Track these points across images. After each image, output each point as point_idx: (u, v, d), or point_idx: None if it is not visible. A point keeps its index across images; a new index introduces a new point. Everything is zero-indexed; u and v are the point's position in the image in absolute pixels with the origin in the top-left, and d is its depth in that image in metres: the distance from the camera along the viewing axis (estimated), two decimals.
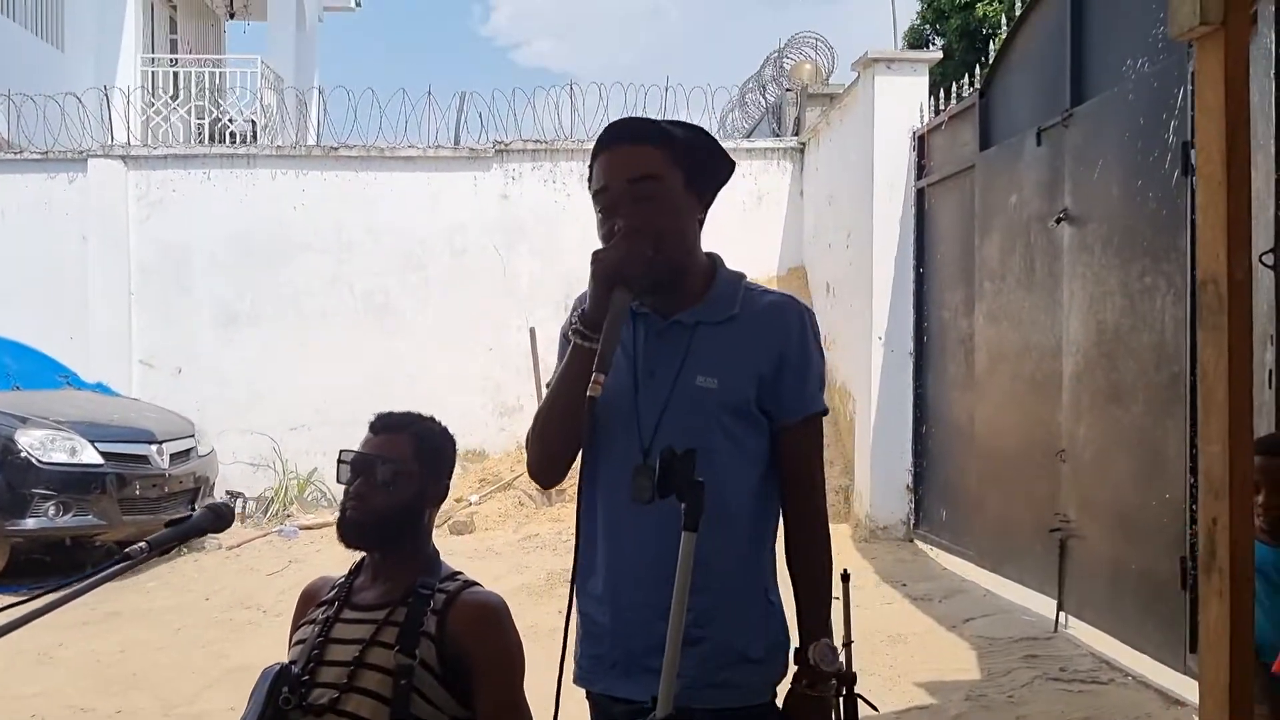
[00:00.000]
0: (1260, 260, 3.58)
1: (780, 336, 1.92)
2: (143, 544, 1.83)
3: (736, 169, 2.06)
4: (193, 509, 8.19)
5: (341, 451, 2.23)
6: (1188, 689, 4.31)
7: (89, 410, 8.24)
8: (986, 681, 4.84)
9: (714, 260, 2.02)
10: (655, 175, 1.88)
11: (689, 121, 2.09)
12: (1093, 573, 5.15)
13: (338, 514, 2.24)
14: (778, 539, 1.97)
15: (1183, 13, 2.10)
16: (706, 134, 2.04)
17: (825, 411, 1.99)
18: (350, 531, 2.19)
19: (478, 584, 2.28)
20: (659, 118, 2.06)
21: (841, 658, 2.74)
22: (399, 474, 2.17)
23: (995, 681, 4.81)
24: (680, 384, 1.89)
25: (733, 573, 1.89)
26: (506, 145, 10.70)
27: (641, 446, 1.87)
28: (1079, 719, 4.30)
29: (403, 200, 10.58)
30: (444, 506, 2.37)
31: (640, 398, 1.91)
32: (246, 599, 6.82)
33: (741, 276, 2.01)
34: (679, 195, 1.91)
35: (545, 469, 2.00)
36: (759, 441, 1.92)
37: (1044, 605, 5.61)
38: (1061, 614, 5.39)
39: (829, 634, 1.88)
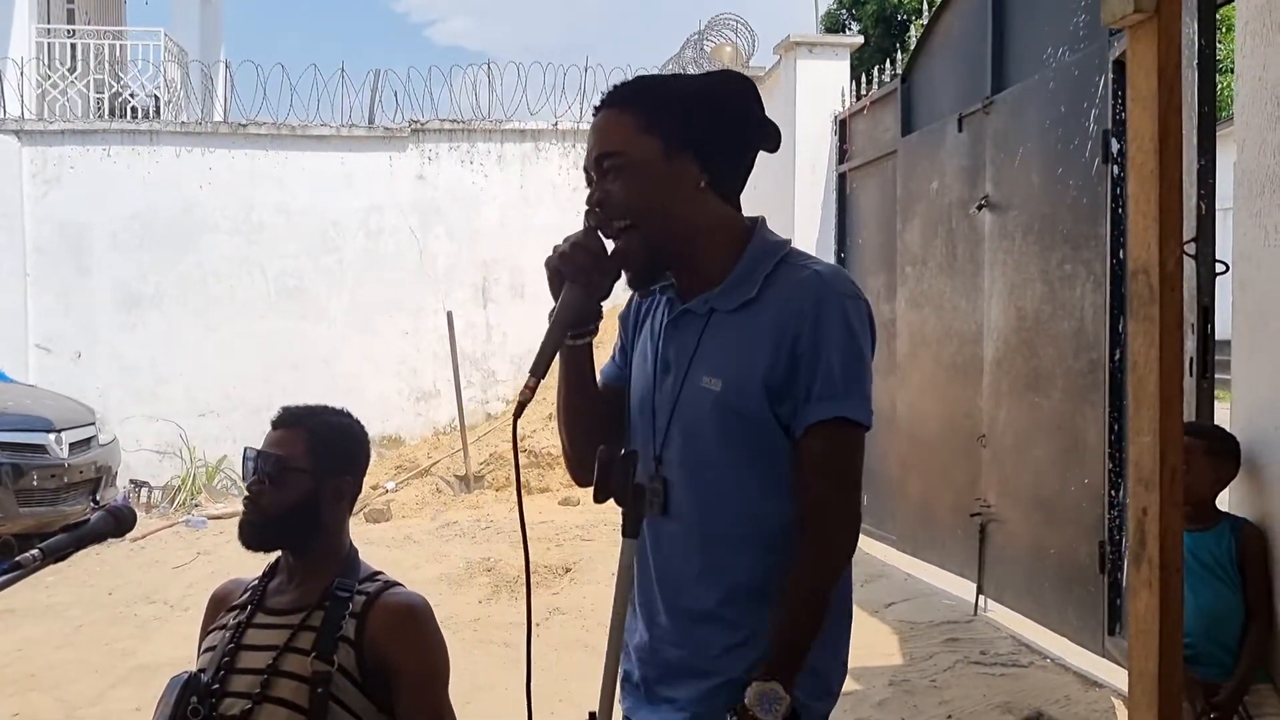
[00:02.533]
0: (1183, 250, 3.62)
1: (795, 323, 1.61)
2: (36, 551, 1.70)
3: None
4: (94, 500, 7.94)
5: (246, 448, 2.13)
6: (1106, 671, 4.38)
7: None
8: (909, 666, 4.86)
9: (751, 230, 1.74)
10: (615, 151, 1.66)
11: (716, 72, 1.79)
12: (1012, 557, 5.21)
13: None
14: None
15: (1115, 0, 2.08)
16: (721, 81, 1.74)
17: (852, 420, 1.61)
18: (244, 534, 2.09)
19: (399, 584, 2.17)
20: (676, 71, 1.81)
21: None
22: (287, 471, 2.06)
23: (917, 666, 4.85)
24: (687, 384, 1.68)
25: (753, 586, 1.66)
26: (422, 125, 10.50)
27: (654, 454, 1.70)
28: (1000, 702, 4.34)
29: (315, 180, 10.31)
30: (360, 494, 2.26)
31: (657, 397, 1.73)
32: (152, 593, 6.59)
33: (781, 247, 1.72)
34: (653, 166, 1.65)
35: (572, 469, 1.86)
36: (781, 446, 1.64)
37: (964, 589, 5.67)
38: (981, 598, 5.45)
39: (785, 678, 1.55)
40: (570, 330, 1.67)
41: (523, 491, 1.71)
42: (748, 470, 1.63)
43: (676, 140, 1.65)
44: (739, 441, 1.62)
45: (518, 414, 1.62)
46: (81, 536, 1.78)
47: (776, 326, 1.62)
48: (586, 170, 1.70)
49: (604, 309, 1.71)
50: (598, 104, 1.72)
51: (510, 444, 1.72)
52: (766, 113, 1.74)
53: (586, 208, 1.68)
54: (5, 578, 1.65)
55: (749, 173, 1.75)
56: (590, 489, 1.56)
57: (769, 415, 1.61)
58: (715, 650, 1.64)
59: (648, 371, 1.76)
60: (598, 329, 1.75)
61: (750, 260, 1.69)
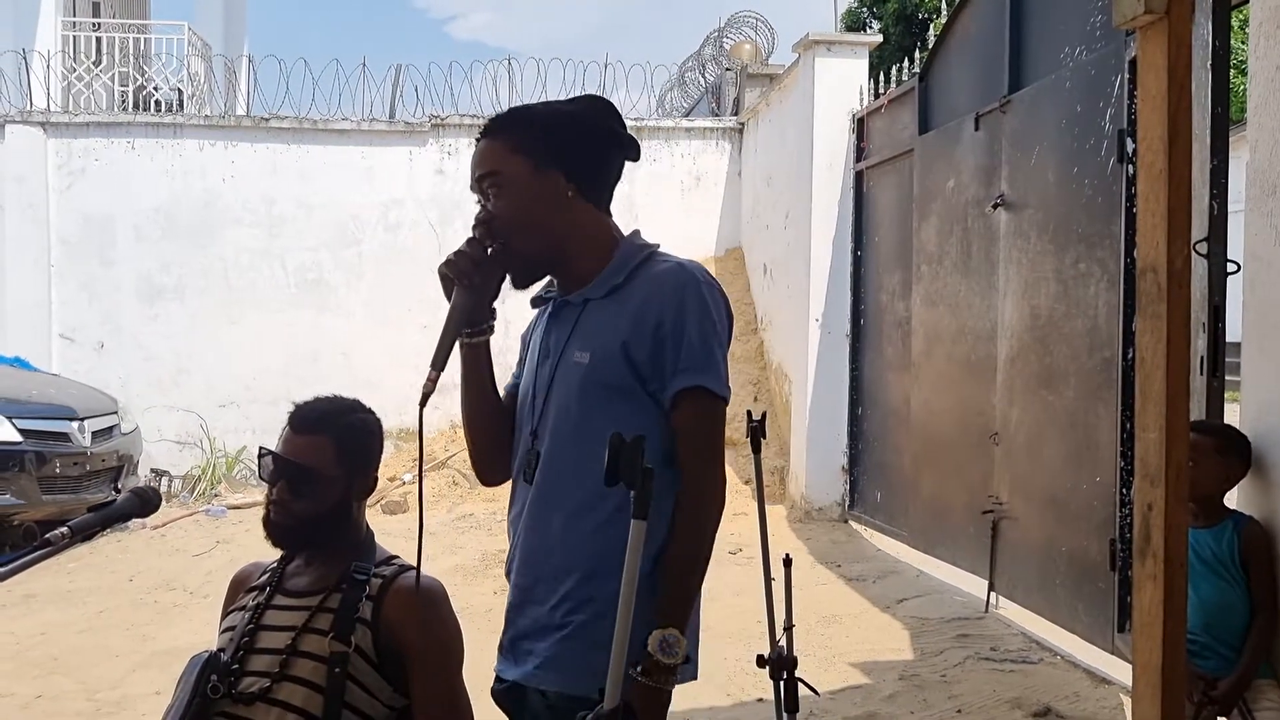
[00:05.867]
0: (1194, 249, 3.64)
1: (658, 305, 1.82)
2: (64, 529, 1.74)
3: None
4: (116, 488, 8.04)
5: (261, 448, 2.15)
6: (1115, 668, 4.40)
7: (7, 386, 7.96)
8: (919, 661, 4.89)
9: (621, 236, 1.96)
10: (491, 171, 1.88)
11: (580, 96, 2.04)
12: (1024, 554, 5.23)
13: (264, 508, 2.17)
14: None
15: (1126, 1, 2.10)
16: (585, 105, 1.97)
17: (711, 391, 1.80)
18: (275, 534, 2.13)
19: (415, 568, 2.22)
20: (541, 100, 2.09)
21: (783, 641, 2.75)
22: (318, 479, 2.09)
23: (928, 661, 4.87)
24: (561, 363, 1.89)
25: (604, 555, 1.78)
26: (443, 120, 10.54)
27: (532, 429, 1.91)
28: (1010, 698, 4.37)
29: (336, 174, 10.38)
30: (378, 485, 2.31)
31: (537, 380, 1.95)
32: (172, 580, 6.67)
33: (649, 249, 1.94)
34: (525, 182, 1.86)
35: (476, 468, 2.09)
36: (646, 419, 1.80)
37: (975, 586, 5.70)
38: (992, 594, 5.47)
39: (679, 625, 1.71)
40: (462, 329, 1.90)
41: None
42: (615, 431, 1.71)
43: (543, 157, 1.86)
44: (603, 414, 1.79)
45: (422, 404, 1.81)
46: (108, 515, 1.83)
47: (641, 305, 1.82)
48: (473, 190, 1.93)
49: (496, 311, 1.95)
50: (477, 136, 1.94)
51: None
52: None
53: (474, 222, 1.90)
54: (35, 555, 1.70)
55: (616, 181, 1.97)
56: (495, 488, 1.81)
57: (633, 384, 1.81)
58: (568, 606, 1.81)
59: (533, 362, 1.99)
60: (492, 328, 1.98)
61: (620, 259, 1.90)
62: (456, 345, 1.89)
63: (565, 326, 1.92)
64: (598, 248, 1.91)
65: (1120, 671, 4.34)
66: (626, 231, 1.99)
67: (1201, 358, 3.53)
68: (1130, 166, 4.31)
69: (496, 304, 1.96)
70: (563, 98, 2.12)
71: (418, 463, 1.89)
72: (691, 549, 1.78)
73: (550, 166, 1.86)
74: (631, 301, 1.83)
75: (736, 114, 10.82)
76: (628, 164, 2.00)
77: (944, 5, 7.63)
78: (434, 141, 10.51)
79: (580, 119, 1.91)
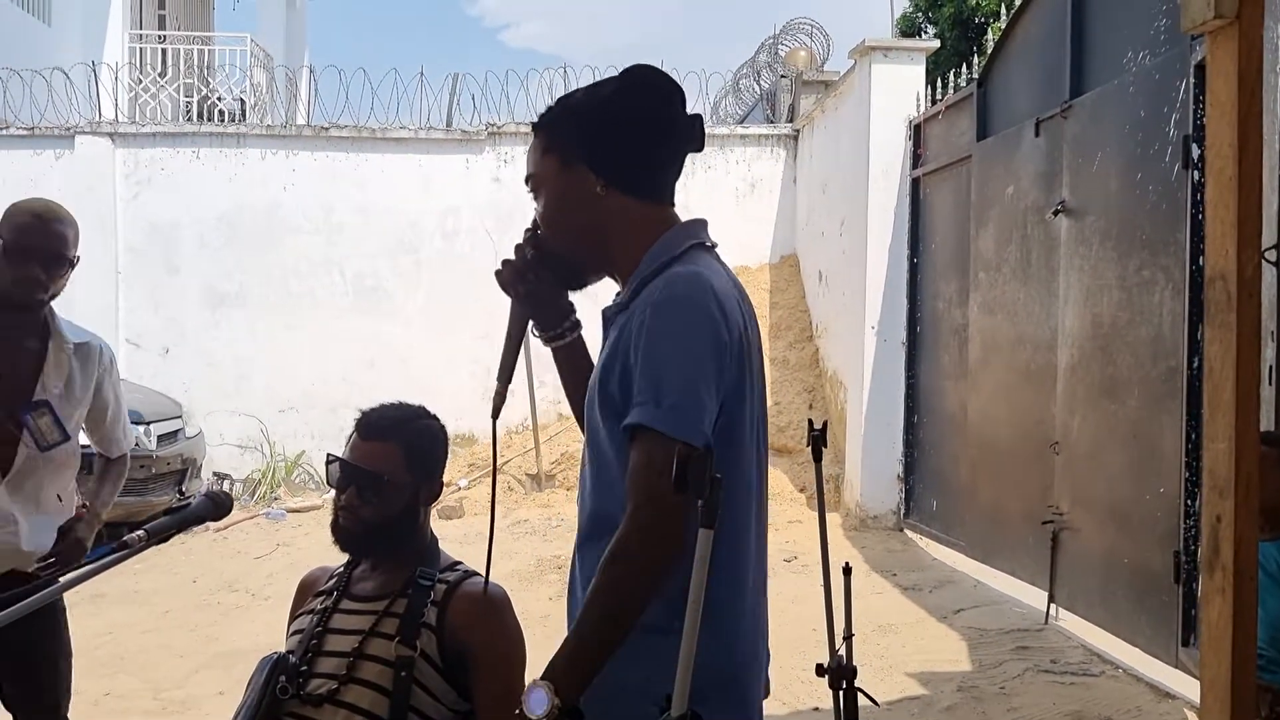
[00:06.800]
0: (1264, 256, 3.57)
1: (634, 330, 1.60)
2: (141, 532, 1.80)
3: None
4: (180, 491, 8.18)
5: (329, 455, 2.18)
6: (1179, 682, 4.32)
7: None
8: (977, 673, 4.84)
9: (666, 230, 1.73)
10: (530, 174, 1.78)
11: (628, 70, 1.77)
12: (1085, 565, 5.16)
13: (330, 510, 2.20)
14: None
15: (1195, 5, 2.07)
16: (622, 87, 1.74)
17: (649, 429, 1.52)
18: (343, 539, 2.16)
19: (478, 574, 2.25)
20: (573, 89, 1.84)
21: (842, 650, 2.74)
22: (388, 486, 2.12)
23: (986, 673, 4.82)
24: (589, 383, 1.74)
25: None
26: (499, 128, 10.64)
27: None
28: (1070, 711, 4.31)
29: (394, 182, 10.51)
30: None
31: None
32: (234, 582, 6.79)
33: (676, 248, 1.69)
34: (554, 181, 1.75)
35: None
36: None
37: (1034, 597, 5.63)
38: (1052, 606, 5.40)
39: (557, 679, 1.48)
40: (523, 338, 1.87)
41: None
42: (603, 470, 1.66)
43: (571, 153, 1.72)
44: (598, 440, 1.66)
45: (494, 416, 1.79)
46: (184, 519, 1.88)
47: (623, 332, 1.63)
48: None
49: (572, 308, 1.89)
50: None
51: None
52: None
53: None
54: (114, 557, 1.75)
55: (665, 169, 1.76)
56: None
57: (620, 411, 1.59)
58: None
59: None
60: (574, 327, 1.90)
61: (646, 262, 1.70)
62: (546, 350, 1.87)
63: (603, 340, 1.76)
64: (638, 243, 1.71)
65: (1184, 686, 4.26)
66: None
67: (1270, 367, 3.47)
68: (1196, 172, 4.25)
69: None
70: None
71: (491, 473, 1.81)
72: (595, 607, 1.52)
73: (577, 161, 1.72)
74: (628, 324, 1.63)
75: (792, 121, 10.80)
76: (684, 167, 1.80)
77: (1003, 10, 7.56)
78: (490, 150, 10.60)
79: (611, 105, 1.73)
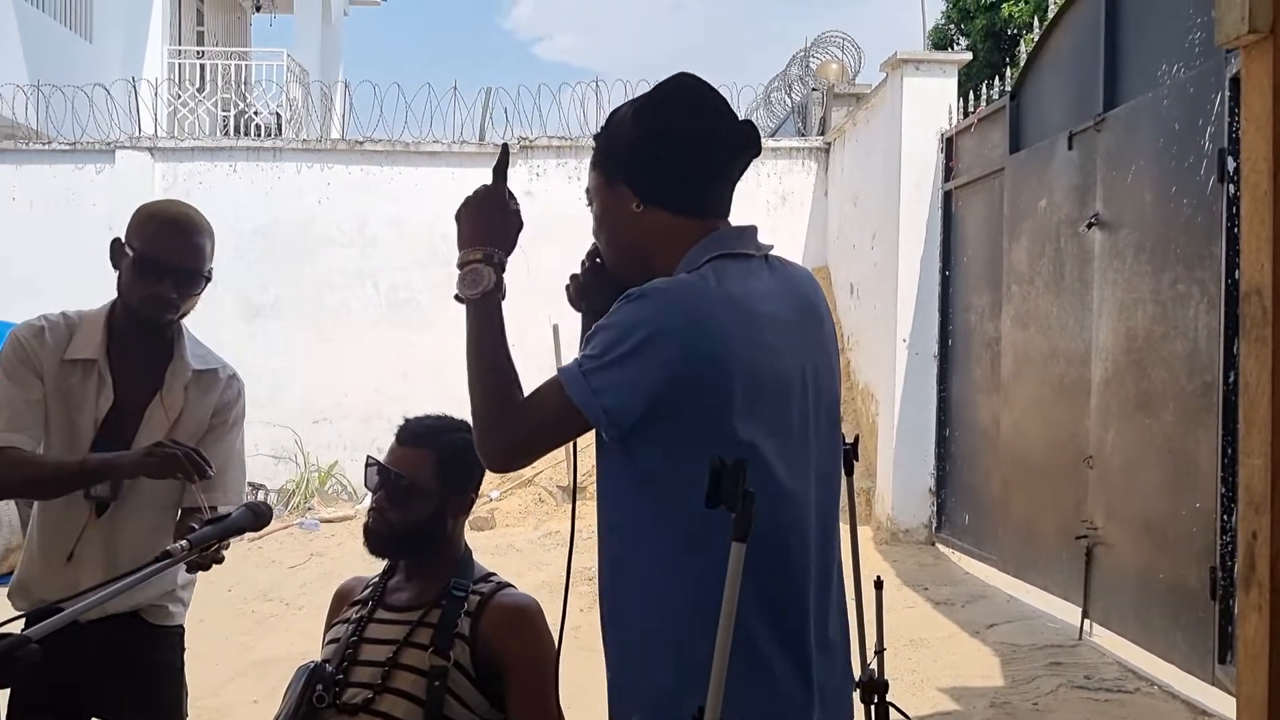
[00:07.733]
0: None
1: None
2: (184, 542, 1.83)
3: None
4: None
5: (368, 457, 2.24)
6: (1215, 700, 4.28)
7: None
8: (1010, 689, 4.81)
9: (699, 244, 1.71)
10: (586, 190, 1.82)
11: (666, 81, 1.78)
12: (1119, 581, 5.11)
13: (367, 515, 2.25)
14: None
15: (1229, 20, 2.07)
16: (657, 101, 1.74)
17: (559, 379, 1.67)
18: (371, 540, 2.21)
19: (511, 585, 2.28)
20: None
21: (874, 665, 2.74)
22: (415, 491, 2.16)
23: (1019, 689, 4.79)
24: None
25: (609, 591, 1.77)
26: (531, 142, 10.70)
27: None
28: None
29: (427, 195, 10.59)
30: None
31: None
32: (269, 591, 6.85)
33: (690, 266, 1.69)
34: (599, 198, 1.78)
35: None
36: (627, 479, 1.70)
37: (1068, 612, 5.58)
38: (1086, 622, 5.35)
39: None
40: None
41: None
42: (610, 484, 1.77)
43: (611, 172, 1.75)
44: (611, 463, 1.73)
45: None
46: (225, 529, 1.92)
47: None
48: None
49: None
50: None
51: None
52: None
53: None
54: (156, 565, 1.78)
55: (707, 181, 1.73)
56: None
57: (613, 447, 1.69)
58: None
59: None
60: None
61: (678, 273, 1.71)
62: None
63: None
64: (674, 261, 1.71)
65: (1220, 703, 4.22)
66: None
67: None
68: (1231, 186, 4.22)
69: None
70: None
71: (571, 487, 1.86)
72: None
73: (617, 179, 1.74)
74: None
75: (823, 134, 10.80)
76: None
77: (1035, 22, 7.54)
78: (523, 163, 10.67)
79: (642, 120, 1.72)
